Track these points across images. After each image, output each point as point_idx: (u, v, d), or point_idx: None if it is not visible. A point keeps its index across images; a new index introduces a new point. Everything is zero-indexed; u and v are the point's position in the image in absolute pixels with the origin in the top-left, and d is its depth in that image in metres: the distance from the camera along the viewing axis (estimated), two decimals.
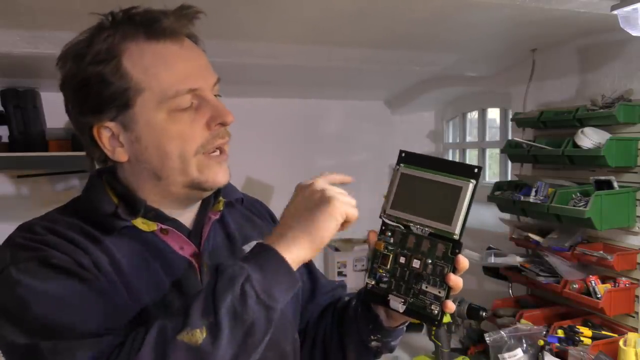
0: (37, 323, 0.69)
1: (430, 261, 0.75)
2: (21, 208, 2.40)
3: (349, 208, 0.73)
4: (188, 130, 0.78)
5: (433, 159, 0.77)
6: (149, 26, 0.76)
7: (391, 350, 0.95)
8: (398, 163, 0.79)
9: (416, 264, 0.76)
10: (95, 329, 0.68)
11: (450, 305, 0.74)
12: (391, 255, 0.78)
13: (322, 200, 0.72)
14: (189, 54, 0.79)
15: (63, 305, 0.69)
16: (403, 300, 0.76)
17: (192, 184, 0.81)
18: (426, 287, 0.75)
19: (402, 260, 0.77)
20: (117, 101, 0.77)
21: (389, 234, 0.79)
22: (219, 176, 0.82)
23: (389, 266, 0.78)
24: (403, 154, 0.79)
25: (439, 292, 0.74)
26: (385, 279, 0.78)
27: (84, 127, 0.80)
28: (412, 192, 0.77)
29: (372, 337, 0.90)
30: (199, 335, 0.64)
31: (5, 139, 2.26)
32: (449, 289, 0.74)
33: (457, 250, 0.74)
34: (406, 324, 0.91)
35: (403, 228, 0.78)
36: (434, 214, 0.74)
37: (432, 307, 0.74)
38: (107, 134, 0.79)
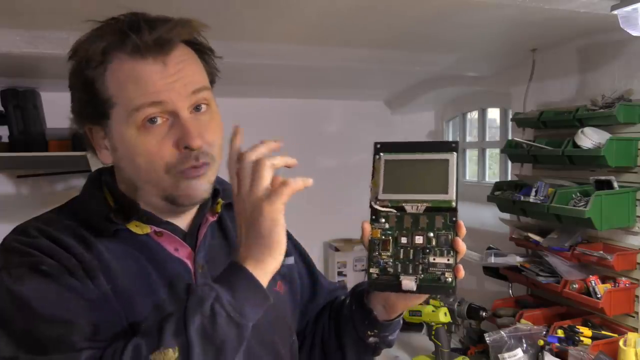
0: (22, 333, 0.70)
1: (432, 234, 0.76)
2: (21, 208, 2.39)
3: (280, 195, 0.69)
4: (155, 148, 0.76)
5: (408, 143, 0.80)
6: (134, 40, 0.75)
7: (389, 345, 0.94)
8: (376, 153, 0.81)
9: (419, 240, 0.77)
10: (78, 342, 0.69)
11: (462, 269, 0.75)
12: (391, 239, 0.78)
13: (254, 211, 0.70)
14: (170, 71, 0.76)
15: (49, 316, 0.70)
16: (415, 279, 0.76)
17: (167, 198, 0.80)
18: (434, 259, 0.76)
19: (403, 240, 0.77)
20: (98, 109, 0.78)
21: (383, 220, 0.79)
22: (194, 192, 0.80)
23: (391, 251, 0.78)
24: (379, 145, 0.81)
25: (448, 260, 0.75)
26: (390, 264, 0.78)
27: (80, 124, 0.83)
28: (400, 174, 0.79)
29: (368, 332, 0.90)
30: (172, 354, 0.66)
31: (5, 139, 2.26)
32: (456, 254, 0.75)
33: (454, 218, 0.76)
34: (401, 316, 0.91)
35: (396, 211, 0.78)
36: (428, 188, 0.77)
37: (445, 276, 0.75)
38: (96, 135, 0.82)
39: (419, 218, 0.77)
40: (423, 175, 0.77)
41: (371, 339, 0.91)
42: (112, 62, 0.76)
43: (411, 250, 0.77)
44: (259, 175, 0.70)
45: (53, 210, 0.85)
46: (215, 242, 0.90)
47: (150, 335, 0.67)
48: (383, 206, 0.79)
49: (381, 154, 0.80)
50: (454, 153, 0.77)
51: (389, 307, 0.87)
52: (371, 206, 0.79)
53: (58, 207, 0.86)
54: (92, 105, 0.78)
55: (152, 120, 0.76)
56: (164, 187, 0.79)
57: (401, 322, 0.93)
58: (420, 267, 0.76)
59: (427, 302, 1.99)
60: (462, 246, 0.76)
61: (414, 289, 0.76)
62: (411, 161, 0.78)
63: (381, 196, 0.79)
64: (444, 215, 0.76)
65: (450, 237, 0.76)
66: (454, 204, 0.76)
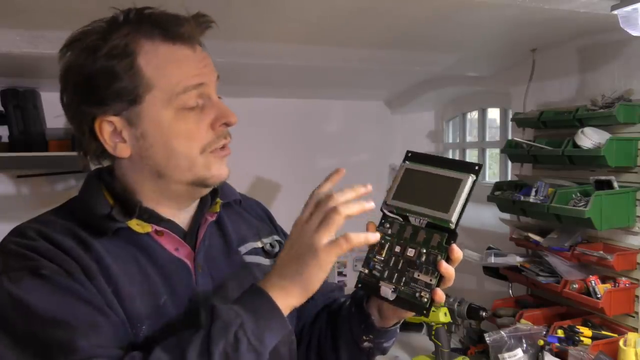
0: (24, 338, 0.70)
1: (424, 250, 0.76)
2: (21, 208, 2.40)
3: (339, 248, 0.71)
4: (194, 129, 0.79)
5: (438, 157, 0.80)
6: (167, 28, 0.78)
7: (383, 352, 0.94)
8: (404, 160, 0.82)
9: (410, 252, 0.77)
10: (84, 347, 0.68)
11: (440, 294, 0.74)
12: (387, 245, 0.79)
13: (309, 251, 0.71)
14: (199, 57, 0.81)
15: (52, 320, 0.70)
16: (393, 288, 0.76)
17: (197, 180, 0.82)
18: (418, 275, 0.76)
19: (397, 249, 0.78)
20: (125, 97, 0.77)
21: (388, 225, 0.80)
22: (222, 172, 0.83)
23: (383, 255, 0.79)
24: (409, 154, 0.82)
25: (430, 280, 0.75)
26: (378, 268, 0.79)
27: (84, 118, 0.80)
28: (414, 184, 0.79)
29: (364, 337, 0.90)
30: None
31: (5, 139, 2.26)
32: (440, 277, 0.75)
33: (452, 241, 0.75)
34: (398, 325, 0.91)
35: (401, 220, 0.79)
36: (432, 203, 0.76)
37: (421, 295, 0.75)
38: (108, 129, 0.79)
39: (419, 232, 0.78)
40: (433, 190, 0.77)
41: (366, 344, 0.91)
42: (142, 48, 0.77)
43: (401, 261, 0.77)
44: (330, 223, 0.71)
45: (52, 210, 0.85)
46: (215, 242, 0.90)
47: (172, 352, 0.68)
48: (389, 211, 0.80)
49: (407, 162, 0.81)
50: (472, 176, 0.74)
51: (382, 315, 0.88)
52: (381, 209, 0.81)
53: (57, 207, 0.86)
54: (114, 95, 0.77)
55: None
56: (197, 168, 0.81)
57: (397, 331, 0.93)
58: (403, 279, 0.76)
59: None
60: (446, 269, 0.74)
61: (390, 298, 0.77)
62: (428, 174, 0.78)
63: (390, 201, 0.80)
64: (441, 235, 0.76)
65: (439, 258, 0.75)
66: (452, 225, 0.74)
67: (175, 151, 0.79)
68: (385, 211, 0.81)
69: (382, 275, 0.78)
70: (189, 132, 0.79)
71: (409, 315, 0.86)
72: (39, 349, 0.69)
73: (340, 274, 2.91)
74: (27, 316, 0.70)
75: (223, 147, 0.83)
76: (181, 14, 0.80)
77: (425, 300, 0.74)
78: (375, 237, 0.75)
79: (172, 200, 0.85)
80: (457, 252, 0.75)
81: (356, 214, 0.72)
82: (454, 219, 0.74)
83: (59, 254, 0.75)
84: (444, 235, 0.76)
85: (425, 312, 0.75)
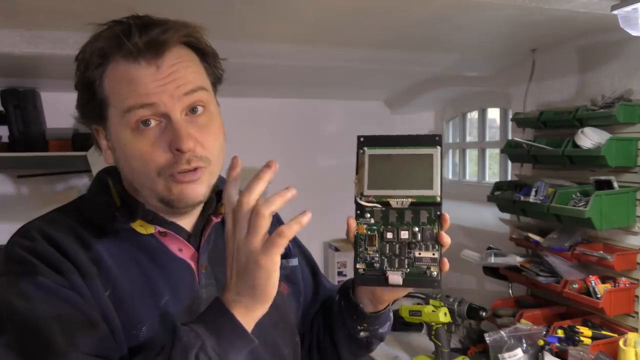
0: (18, 343, 0.70)
1: (417, 228, 0.77)
2: (21, 208, 2.40)
3: (277, 247, 0.67)
4: (147, 150, 0.76)
5: (392, 137, 0.80)
6: (126, 45, 0.75)
7: (381, 338, 0.95)
8: (360, 147, 0.80)
9: (404, 234, 0.77)
10: (68, 356, 0.69)
11: (447, 263, 0.76)
12: (376, 234, 0.78)
13: (249, 261, 0.67)
14: (162, 74, 0.76)
15: (39, 329, 0.70)
16: (401, 273, 0.77)
17: (163, 200, 0.80)
18: (420, 254, 0.76)
19: (389, 235, 0.78)
20: (97, 111, 0.80)
21: (368, 215, 0.79)
22: (187, 196, 0.79)
23: (377, 246, 0.78)
24: (362, 138, 0.81)
25: (434, 254, 0.76)
26: (376, 259, 0.78)
27: (87, 125, 0.84)
28: (384, 169, 0.79)
29: (358, 327, 0.91)
30: None
31: (5, 139, 2.26)
32: (441, 248, 0.76)
33: (439, 212, 0.77)
34: (389, 307, 0.91)
35: (381, 206, 0.79)
36: (412, 183, 0.77)
37: (431, 270, 0.76)
38: (101, 135, 0.83)
39: (404, 213, 0.78)
40: (408, 170, 0.78)
41: (362, 334, 0.91)
42: (109, 64, 0.77)
43: (397, 245, 0.77)
44: (257, 226, 0.67)
45: (59, 208, 0.85)
46: (220, 243, 0.90)
47: None
48: (368, 202, 0.79)
49: (365, 148, 0.80)
50: (438, 147, 0.77)
51: (376, 300, 0.88)
52: (356, 202, 0.79)
53: (63, 205, 0.86)
54: (92, 106, 0.80)
55: (145, 122, 0.76)
56: (158, 190, 0.78)
57: (390, 314, 0.93)
58: (406, 262, 0.77)
59: (426, 302, 1.99)
60: (446, 239, 0.76)
61: (401, 283, 0.77)
62: (395, 156, 0.78)
63: (366, 192, 0.79)
64: (428, 209, 0.77)
65: (435, 231, 0.77)
66: (438, 198, 0.76)
67: (135, 170, 0.79)
68: (363, 202, 0.79)
69: (384, 264, 0.78)
70: (142, 153, 0.76)
71: (404, 294, 0.87)
72: (25, 355, 0.70)
73: (340, 273, 2.91)
74: (14, 321, 0.71)
75: (185, 172, 0.77)
76: (158, 23, 0.77)
77: (436, 273, 0.76)
78: (307, 217, 0.68)
79: (164, 209, 0.83)
80: (447, 218, 0.77)
81: (280, 206, 0.68)
82: (439, 192, 0.76)
83: (57, 256, 0.75)
84: (431, 209, 0.77)
85: (437, 284, 0.76)
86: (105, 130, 0.81)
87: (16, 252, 0.76)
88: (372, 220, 0.79)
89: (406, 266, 0.77)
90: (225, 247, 0.89)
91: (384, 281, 0.77)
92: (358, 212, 0.79)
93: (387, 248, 0.78)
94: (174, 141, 0.75)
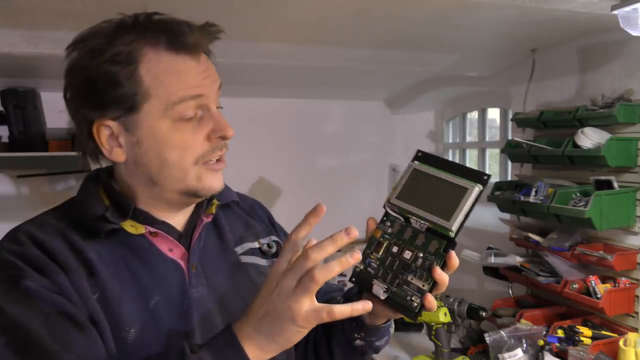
0: (6, 349, 0.70)
1: (421, 254, 0.76)
2: (21, 208, 2.40)
3: (319, 319, 0.67)
4: (189, 140, 0.79)
5: (448, 161, 0.79)
6: (173, 37, 0.77)
7: (376, 350, 0.95)
8: (413, 160, 0.81)
9: (407, 255, 0.77)
10: None
11: (431, 300, 0.73)
12: (385, 244, 0.79)
13: (287, 314, 0.67)
14: (202, 68, 0.80)
15: (26, 335, 0.70)
16: (386, 288, 0.76)
17: (188, 191, 0.81)
18: (411, 279, 0.75)
19: (394, 249, 0.78)
20: (123, 103, 0.77)
21: (389, 224, 0.80)
22: (214, 184, 0.82)
23: (380, 253, 0.79)
24: (420, 153, 0.81)
25: (423, 285, 0.74)
26: (373, 265, 0.78)
27: (83, 119, 0.80)
28: (420, 186, 0.78)
29: (355, 335, 0.91)
30: None
31: (5, 139, 2.26)
32: (434, 283, 0.74)
33: (450, 249, 0.75)
34: (390, 323, 0.91)
35: (403, 220, 0.79)
36: (435, 209, 0.75)
37: (412, 299, 0.74)
38: (106, 132, 0.79)
39: (418, 235, 0.77)
40: (439, 195, 0.76)
41: (358, 342, 0.91)
42: (145, 56, 0.77)
43: (397, 262, 0.77)
44: (307, 289, 0.66)
45: (49, 210, 0.85)
46: (211, 242, 0.90)
47: None
48: (392, 210, 0.80)
49: (416, 162, 0.80)
50: (479, 186, 0.73)
51: (372, 313, 0.87)
52: (384, 207, 0.81)
53: (54, 207, 0.86)
54: (113, 101, 0.77)
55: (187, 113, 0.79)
56: (188, 180, 0.80)
57: (390, 330, 0.93)
58: (397, 281, 0.76)
59: None
60: (440, 276, 0.73)
61: (381, 297, 0.76)
62: (435, 178, 0.77)
63: (393, 200, 0.79)
64: (440, 242, 0.75)
65: (434, 264, 0.74)
66: (452, 234, 0.73)
67: (167, 161, 0.79)
68: (388, 209, 0.80)
69: (377, 273, 0.78)
70: (184, 143, 0.79)
71: (397, 317, 0.86)
72: (15, 358, 0.70)
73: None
74: (3, 326, 0.71)
75: (218, 160, 0.82)
76: (190, 22, 0.79)
77: (416, 304, 0.74)
78: (367, 305, 0.69)
79: (166, 205, 0.84)
80: (455, 260, 0.74)
81: (335, 274, 0.68)
82: (454, 228, 0.73)
83: (45, 259, 0.75)
84: (443, 242, 0.75)
85: (413, 316, 0.74)
86: (127, 124, 0.78)
87: (4, 257, 0.75)
88: (390, 230, 0.79)
89: (394, 285, 0.76)
90: (217, 246, 0.89)
91: (368, 288, 0.78)
92: (384, 217, 0.81)
93: (388, 260, 0.78)
94: (217, 130, 0.80)
